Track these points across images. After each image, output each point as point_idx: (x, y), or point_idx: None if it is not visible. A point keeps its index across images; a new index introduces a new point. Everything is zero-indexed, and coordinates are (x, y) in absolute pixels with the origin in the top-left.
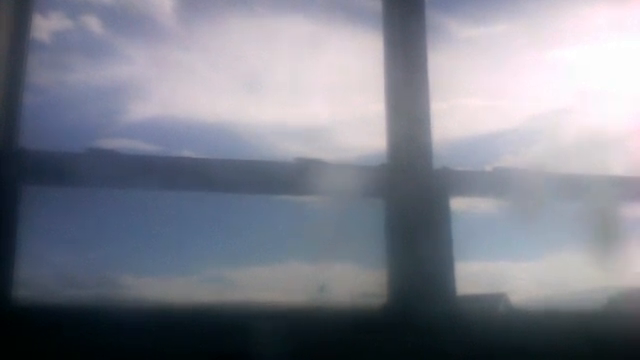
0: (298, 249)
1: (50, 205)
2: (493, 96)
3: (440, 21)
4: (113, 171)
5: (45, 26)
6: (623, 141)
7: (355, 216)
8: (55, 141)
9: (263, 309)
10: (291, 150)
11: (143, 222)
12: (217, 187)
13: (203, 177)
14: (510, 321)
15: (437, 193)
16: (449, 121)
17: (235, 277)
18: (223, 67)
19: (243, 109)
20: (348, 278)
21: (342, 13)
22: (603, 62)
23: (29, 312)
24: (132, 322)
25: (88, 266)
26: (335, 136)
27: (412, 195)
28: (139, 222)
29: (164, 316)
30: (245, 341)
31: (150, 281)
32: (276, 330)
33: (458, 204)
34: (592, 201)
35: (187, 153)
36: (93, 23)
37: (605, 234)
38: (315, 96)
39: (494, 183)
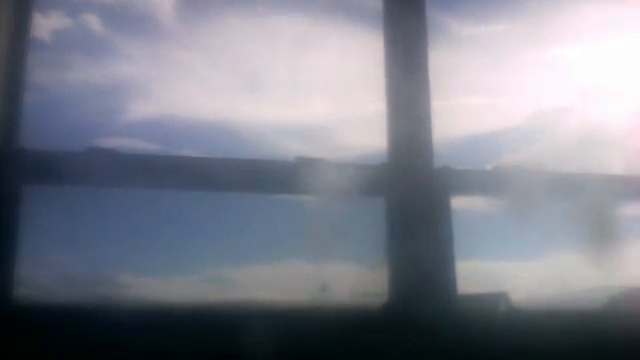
0: (298, 248)
1: (50, 204)
2: (494, 95)
3: (441, 20)
4: (113, 170)
5: (45, 25)
6: (624, 139)
7: (355, 215)
8: (55, 140)
9: (263, 308)
10: (291, 149)
11: (143, 221)
12: (217, 186)
13: (203, 176)
14: (511, 320)
15: (437, 192)
16: (450, 120)
17: (235, 276)
18: (223, 66)
19: (243, 108)
20: (348, 277)
21: (342, 12)
22: (604, 60)
23: (29, 312)
24: (132, 321)
25: (88, 265)
26: (335, 135)
27: (412, 194)
28: (139, 221)
29: (164, 315)
30: (245, 340)
31: (150, 280)
32: (276, 329)
33: (458, 203)
34: (593, 200)
35: (187, 152)
36: (93, 22)
37: (606, 233)
38: (315, 95)
39: (495, 182)
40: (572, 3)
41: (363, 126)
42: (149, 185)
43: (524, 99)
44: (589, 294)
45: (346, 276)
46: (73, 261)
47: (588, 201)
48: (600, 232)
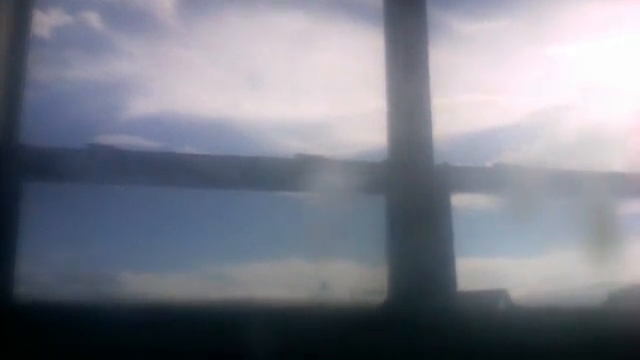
0: (298, 246)
1: (50, 201)
2: (494, 92)
3: (441, 17)
4: (113, 167)
5: (45, 22)
6: (624, 137)
7: (355, 212)
8: (55, 137)
9: (263, 306)
10: (291, 146)
11: (144, 219)
12: (218, 183)
13: (204, 173)
14: (510, 317)
15: (438, 189)
16: (450, 117)
17: (235, 274)
18: (223, 63)
19: (244, 105)
20: (348, 274)
21: (343, 9)
22: (604, 58)
23: (30, 309)
24: (132, 319)
25: (88, 263)
26: (336, 132)
27: (413, 191)
28: (140, 218)
29: (164, 313)
30: (245, 338)
31: (150, 278)
32: (276, 327)
33: (459, 200)
34: (593, 197)
35: (188, 149)
36: (93, 19)
37: (606, 230)
38: (316, 92)
39: (495, 179)
40: (573, 0)
41: (363, 123)
42: (149, 182)
43: (524, 97)
44: (589, 291)
45: (346, 273)
46: (73, 258)
47: (588, 198)
48: (600, 230)
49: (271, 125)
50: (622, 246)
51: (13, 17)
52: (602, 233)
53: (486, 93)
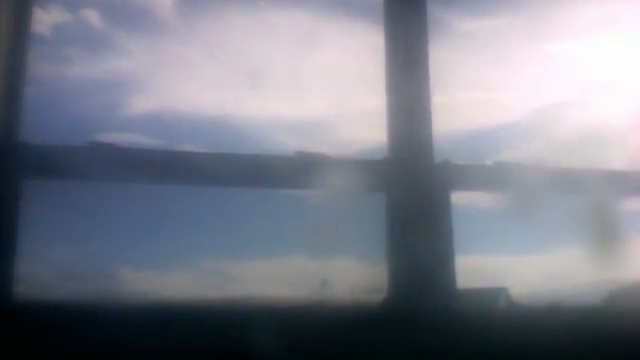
0: (299, 243)
1: (50, 199)
2: (494, 90)
3: (441, 15)
4: (113, 165)
5: (45, 20)
6: (624, 135)
7: (356, 210)
8: (55, 135)
9: (263, 304)
10: (292, 144)
11: (144, 216)
12: (218, 181)
13: (203, 171)
14: (510, 315)
15: (438, 187)
16: (450, 115)
17: (235, 271)
18: (223, 61)
19: (244, 103)
20: (348, 272)
21: (343, 7)
22: (604, 55)
23: (29, 308)
24: (131, 317)
25: (88, 260)
26: (336, 130)
27: (413, 189)
28: (140, 216)
29: (164, 310)
30: (245, 336)
31: (150, 275)
32: (276, 324)
33: (459, 198)
34: (593, 195)
35: (188, 147)
36: (93, 17)
37: (606, 228)
38: (316, 90)
39: (495, 177)
40: None
41: (364, 121)
42: (150, 180)
43: (525, 94)
44: (590, 289)
45: (346, 271)
46: (73, 256)
47: (589, 196)
48: (601, 227)
49: (271, 123)
50: (623, 244)
51: (13, 15)
52: (603, 231)
53: (486, 91)
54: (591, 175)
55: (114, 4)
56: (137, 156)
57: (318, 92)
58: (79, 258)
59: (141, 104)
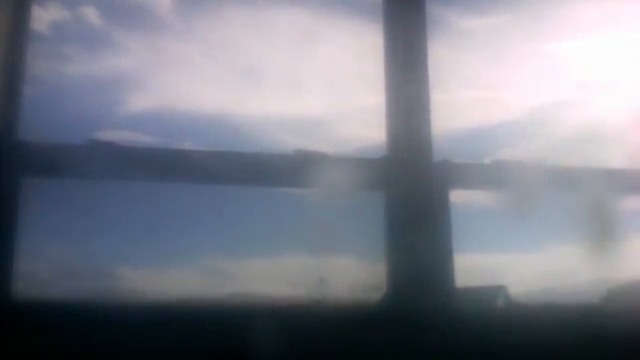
0: (297, 242)
1: (49, 197)
2: (493, 88)
3: (440, 13)
4: (113, 163)
5: (44, 17)
6: (623, 133)
7: (355, 209)
8: (54, 133)
9: (261, 302)
10: (290, 142)
11: (143, 214)
12: (217, 179)
13: (203, 169)
14: (509, 313)
15: (437, 186)
16: (449, 113)
17: (234, 269)
18: (222, 59)
19: (243, 101)
20: (347, 271)
21: (342, 5)
22: (603, 54)
23: (28, 307)
24: (130, 315)
25: (87, 258)
26: (335, 128)
27: (412, 187)
28: (139, 214)
29: (163, 312)
30: (243, 334)
31: (149, 273)
32: (274, 323)
33: (458, 197)
34: (592, 193)
35: (187, 145)
36: (92, 14)
37: (605, 227)
38: (314, 88)
39: (494, 176)
40: None
41: (363, 120)
42: (149, 178)
43: (524, 93)
44: (588, 288)
45: (345, 270)
46: (72, 254)
47: (587, 195)
48: (599, 226)
49: (270, 121)
50: (621, 242)
51: (12, 13)
52: (601, 229)
53: (485, 89)
54: (590, 173)
55: (113, 2)
56: (136, 154)
57: (317, 90)
58: (78, 256)
59: (140, 102)
